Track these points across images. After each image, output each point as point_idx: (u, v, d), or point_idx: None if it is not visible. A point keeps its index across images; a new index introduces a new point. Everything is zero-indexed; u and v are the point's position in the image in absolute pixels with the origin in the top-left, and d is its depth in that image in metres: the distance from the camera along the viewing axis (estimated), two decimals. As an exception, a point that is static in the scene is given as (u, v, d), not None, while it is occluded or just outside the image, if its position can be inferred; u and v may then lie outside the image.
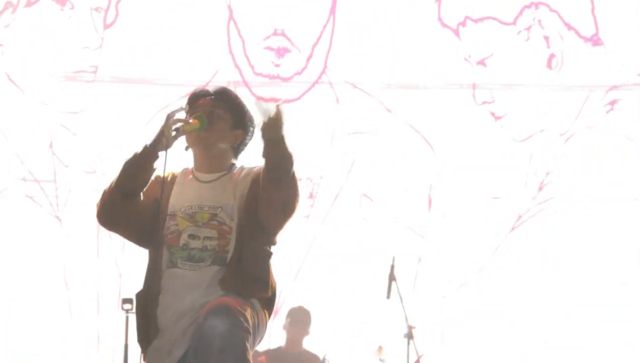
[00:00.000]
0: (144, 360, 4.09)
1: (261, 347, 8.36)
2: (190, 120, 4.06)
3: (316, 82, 9.40)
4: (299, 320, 8.48)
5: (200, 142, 4.13)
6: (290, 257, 8.98)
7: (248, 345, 3.87)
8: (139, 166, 4.04)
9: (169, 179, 4.19)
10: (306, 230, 9.12)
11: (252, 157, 4.24)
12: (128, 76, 9.09)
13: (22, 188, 8.89)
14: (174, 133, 4.00)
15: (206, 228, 4.05)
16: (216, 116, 4.15)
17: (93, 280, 8.49)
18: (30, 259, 8.77)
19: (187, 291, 3.98)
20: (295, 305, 8.57)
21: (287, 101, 9.31)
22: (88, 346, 8.63)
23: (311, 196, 9.21)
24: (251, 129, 4.25)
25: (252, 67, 9.35)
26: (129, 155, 4.06)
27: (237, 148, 4.27)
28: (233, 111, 4.21)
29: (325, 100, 9.37)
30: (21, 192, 8.89)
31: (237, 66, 9.31)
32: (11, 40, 9.05)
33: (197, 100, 4.20)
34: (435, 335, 8.94)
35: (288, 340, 8.51)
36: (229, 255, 4.03)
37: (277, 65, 9.39)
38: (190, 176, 4.20)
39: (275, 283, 4.17)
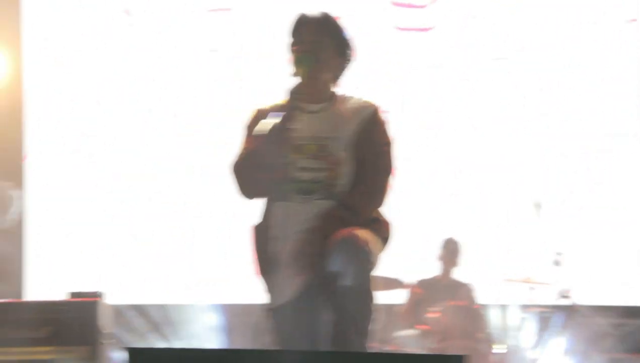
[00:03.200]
0: (266, 292, 4.17)
1: (413, 276, 8.47)
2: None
3: (452, 8, 9.30)
4: (452, 250, 8.51)
5: (308, 74, 4.17)
6: (437, 187, 8.99)
7: (371, 277, 3.95)
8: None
9: (275, 110, 4.18)
10: (450, 159, 9.08)
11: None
12: (260, 10, 9.21)
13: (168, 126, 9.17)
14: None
15: (315, 159, 4.08)
16: (323, 46, 4.16)
17: (245, 215, 8.65)
18: (184, 195, 9.04)
19: (299, 224, 4.04)
20: (448, 236, 8.58)
21: (424, 30, 9.27)
22: (243, 280, 8.86)
23: (448, 124, 9.15)
24: (350, 55, 4.25)
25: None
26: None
27: (338, 75, 4.28)
28: (337, 39, 4.20)
29: (462, 27, 9.27)
30: (169, 131, 9.16)
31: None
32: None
33: (301, 28, 4.21)
34: (586, 261, 8.84)
35: (442, 271, 8.55)
36: (339, 189, 4.08)
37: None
38: (296, 106, 4.18)
39: (389, 223, 4.19)
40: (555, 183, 8.95)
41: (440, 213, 9.00)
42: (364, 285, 3.90)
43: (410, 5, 9.30)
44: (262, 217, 4.20)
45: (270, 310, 4.14)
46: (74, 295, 6.16)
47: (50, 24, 9.29)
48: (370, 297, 3.94)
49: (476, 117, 9.16)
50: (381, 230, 4.12)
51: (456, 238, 8.53)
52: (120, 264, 8.94)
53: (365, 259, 3.90)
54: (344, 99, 4.23)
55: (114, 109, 9.18)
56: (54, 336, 5.87)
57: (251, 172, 4.12)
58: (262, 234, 4.15)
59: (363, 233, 3.95)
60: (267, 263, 4.13)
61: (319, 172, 4.08)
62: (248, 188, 4.17)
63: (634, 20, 9.22)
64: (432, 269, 8.57)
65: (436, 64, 9.21)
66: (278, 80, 4.41)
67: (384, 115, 4.22)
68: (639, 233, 9.03)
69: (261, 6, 9.24)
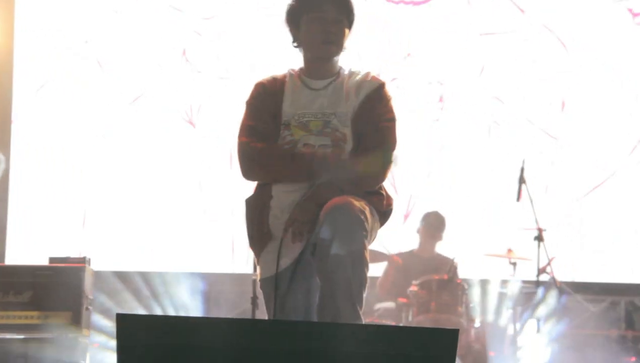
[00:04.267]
0: (257, 264, 4.15)
1: (392, 249, 8.45)
2: None
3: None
4: (433, 224, 8.48)
5: (326, 55, 4.15)
6: (420, 160, 8.98)
7: (366, 243, 3.90)
8: (310, 175, 4.02)
9: (277, 86, 4.18)
10: (436, 134, 9.08)
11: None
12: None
13: (157, 95, 9.08)
14: None
15: (320, 136, 4.06)
16: (343, 25, 4.14)
17: (226, 185, 8.68)
18: (166, 163, 8.99)
19: (298, 196, 4.01)
20: (431, 209, 8.55)
21: (418, 3, 9.23)
22: (222, 249, 8.86)
23: (441, 100, 9.14)
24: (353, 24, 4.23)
25: (382, -32, 9.28)
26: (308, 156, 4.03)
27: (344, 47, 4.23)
28: (351, 15, 4.19)
29: (455, 1, 9.24)
30: (156, 98, 9.09)
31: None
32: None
33: (323, 2, 4.12)
34: (566, 238, 8.88)
35: (421, 244, 8.52)
36: None
37: (407, -33, 9.29)
38: (299, 81, 4.19)
39: (391, 198, 4.17)
40: (539, 159, 8.96)
41: (422, 188, 9.00)
42: (358, 252, 3.85)
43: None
44: (258, 189, 4.16)
45: (263, 279, 4.09)
46: (53, 260, 6.12)
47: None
48: (363, 264, 3.88)
49: (462, 93, 9.15)
50: (380, 203, 4.09)
51: (438, 212, 8.51)
52: (104, 230, 8.90)
53: (358, 225, 3.85)
54: (350, 73, 4.20)
55: (99, 78, 9.11)
56: (36, 300, 5.85)
57: (269, 160, 4.09)
58: (258, 206, 4.12)
59: (358, 202, 3.91)
60: (261, 234, 4.09)
61: (324, 149, 4.04)
62: (260, 174, 4.15)
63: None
64: (412, 243, 8.57)
65: (426, 38, 9.19)
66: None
67: (389, 91, 4.18)
68: (619, 210, 9.06)
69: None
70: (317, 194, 3.97)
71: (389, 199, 4.14)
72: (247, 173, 4.14)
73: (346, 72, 4.20)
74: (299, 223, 3.95)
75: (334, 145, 4.05)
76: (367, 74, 4.20)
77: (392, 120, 4.15)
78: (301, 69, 4.23)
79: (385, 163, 4.09)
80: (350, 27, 4.18)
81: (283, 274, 4.02)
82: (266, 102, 4.15)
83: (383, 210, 4.11)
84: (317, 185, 3.99)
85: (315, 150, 4.02)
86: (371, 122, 4.09)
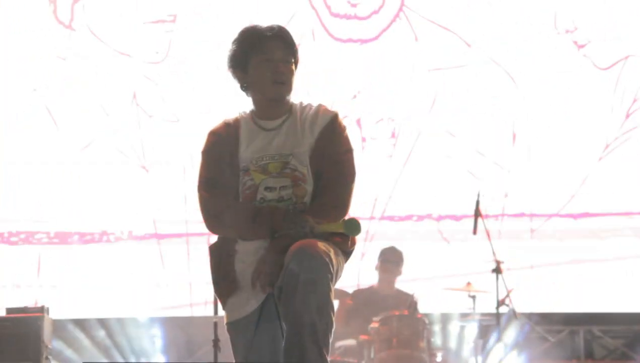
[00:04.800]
0: (223, 309, 4.09)
1: (351, 286, 8.45)
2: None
3: (394, 20, 9.33)
4: (392, 260, 8.46)
5: (278, 95, 4.12)
6: (375, 197, 8.99)
7: (331, 286, 3.86)
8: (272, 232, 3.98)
9: (231, 132, 4.13)
10: (390, 170, 9.11)
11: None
12: (205, 24, 9.14)
13: (109, 140, 9.05)
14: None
15: (280, 177, 4.01)
16: (291, 65, 4.10)
17: (182, 228, 8.62)
18: (120, 209, 8.94)
19: (263, 242, 3.97)
20: (387, 245, 8.55)
21: (365, 41, 9.29)
22: (180, 293, 8.79)
23: (393, 135, 9.18)
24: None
25: (328, 7, 9.31)
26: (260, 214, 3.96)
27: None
28: (295, 54, 4.14)
29: (403, 38, 9.31)
30: (108, 144, 9.04)
31: (313, 7, 9.28)
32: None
33: (269, 44, 4.06)
34: (524, 270, 8.91)
35: (380, 280, 8.51)
36: (305, 206, 4.01)
37: (354, 5, 9.34)
38: (253, 124, 4.15)
39: (355, 237, 4.14)
40: (493, 191, 9.01)
41: (378, 224, 9.02)
42: (323, 295, 3.79)
43: (350, 17, 9.31)
44: (221, 236, 4.11)
45: (230, 323, 4.04)
46: (10, 311, 6.04)
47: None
48: (329, 307, 3.83)
49: (414, 128, 9.20)
50: (345, 243, 4.06)
51: (395, 247, 8.51)
52: (59, 278, 8.80)
53: (324, 267, 3.79)
54: (302, 108, 4.17)
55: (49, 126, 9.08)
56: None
57: (231, 220, 4.02)
58: (222, 253, 4.06)
59: (322, 244, 3.87)
60: (228, 282, 4.04)
61: (284, 190, 4.01)
62: (224, 231, 4.08)
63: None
64: (370, 279, 8.56)
65: (375, 76, 9.25)
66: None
67: (342, 122, 4.17)
68: (574, 240, 9.13)
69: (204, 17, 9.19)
70: (279, 244, 3.93)
71: (353, 239, 4.12)
72: (212, 230, 4.09)
73: (297, 107, 4.19)
74: (265, 274, 3.91)
75: (294, 185, 4.01)
76: (319, 106, 4.17)
77: (349, 151, 4.13)
78: (253, 111, 4.19)
79: (346, 199, 4.08)
80: (296, 67, 4.18)
81: (250, 317, 3.97)
82: (222, 150, 4.10)
83: (347, 250, 4.10)
84: (279, 235, 3.96)
85: (277, 208, 4.00)
86: (328, 157, 4.06)
